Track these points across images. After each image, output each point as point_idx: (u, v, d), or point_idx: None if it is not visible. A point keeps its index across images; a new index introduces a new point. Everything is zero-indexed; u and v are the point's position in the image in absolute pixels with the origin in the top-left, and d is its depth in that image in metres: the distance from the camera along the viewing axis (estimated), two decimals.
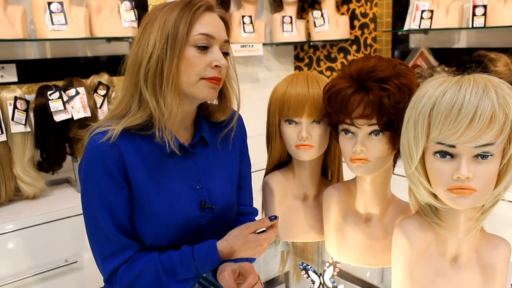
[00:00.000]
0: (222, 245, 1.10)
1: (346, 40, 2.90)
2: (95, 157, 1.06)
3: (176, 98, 1.06)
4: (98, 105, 2.01)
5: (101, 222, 1.07)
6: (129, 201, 1.10)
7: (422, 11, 2.37)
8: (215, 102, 1.22)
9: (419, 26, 2.38)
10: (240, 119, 1.32)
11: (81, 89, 1.95)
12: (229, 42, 1.14)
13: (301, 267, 1.14)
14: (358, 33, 2.85)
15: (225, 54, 1.11)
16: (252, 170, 1.37)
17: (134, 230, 1.12)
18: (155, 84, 1.05)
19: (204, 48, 1.07)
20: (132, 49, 1.10)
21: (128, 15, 2.24)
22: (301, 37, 2.94)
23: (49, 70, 2.24)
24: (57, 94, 1.89)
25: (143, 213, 1.10)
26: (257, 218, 1.39)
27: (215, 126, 1.23)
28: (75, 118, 1.92)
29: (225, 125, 1.23)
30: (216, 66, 1.07)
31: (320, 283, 1.13)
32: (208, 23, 1.08)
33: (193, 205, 1.14)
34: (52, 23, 2.04)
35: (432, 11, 2.36)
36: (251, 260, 1.19)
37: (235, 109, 1.24)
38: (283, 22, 2.85)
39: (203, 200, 1.15)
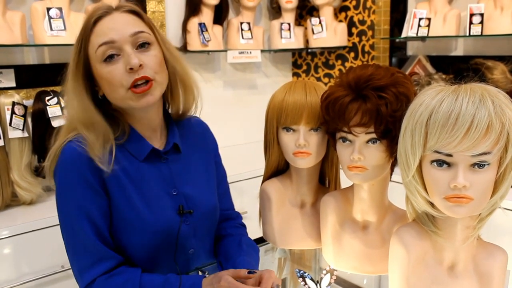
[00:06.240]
0: (207, 281, 1.04)
1: (344, 47, 2.91)
2: (70, 165, 1.04)
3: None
4: None
5: (78, 230, 1.04)
6: (108, 211, 1.08)
7: (420, 19, 2.38)
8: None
9: (417, 33, 2.40)
10: (209, 129, 1.33)
11: None
12: (149, 30, 1.07)
13: (298, 274, 1.14)
14: (356, 40, 2.86)
15: (145, 44, 1.05)
16: (249, 177, 1.38)
17: (115, 240, 1.09)
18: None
19: (111, 58, 1.02)
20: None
21: None
22: (299, 44, 2.95)
23: (48, 76, 2.24)
24: (55, 99, 1.90)
25: (123, 220, 1.08)
26: (244, 221, 1.40)
27: (185, 133, 1.23)
28: None
29: (195, 133, 1.24)
30: (130, 69, 1.01)
31: None
32: (105, 30, 1.03)
33: (171, 210, 1.13)
34: (51, 29, 2.04)
35: (429, 19, 2.38)
36: (255, 266, 1.19)
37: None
38: (281, 29, 2.86)
39: (181, 206, 1.14)
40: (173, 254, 1.14)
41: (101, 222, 1.06)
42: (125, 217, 1.08)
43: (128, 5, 1.07)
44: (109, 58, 1.02)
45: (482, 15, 2.20)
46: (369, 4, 2.74)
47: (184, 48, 2.63)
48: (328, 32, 2.83)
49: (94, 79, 1.08)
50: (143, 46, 1.04)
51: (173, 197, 1.15)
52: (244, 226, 1.38)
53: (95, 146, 1.04)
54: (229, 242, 1.27)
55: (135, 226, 1.08)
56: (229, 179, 1.40)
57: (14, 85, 2.13)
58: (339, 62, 2.98)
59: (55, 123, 1.89)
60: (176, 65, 1.13)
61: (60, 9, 2.06)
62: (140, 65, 1.01)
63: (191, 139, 1.24)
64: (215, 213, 1.26)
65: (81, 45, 1.04)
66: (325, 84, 2.86)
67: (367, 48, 2.81)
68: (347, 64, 2.94)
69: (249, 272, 1.04)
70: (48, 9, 2.04)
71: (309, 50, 3.04)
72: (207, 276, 1.06)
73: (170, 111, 1.23)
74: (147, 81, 1.03)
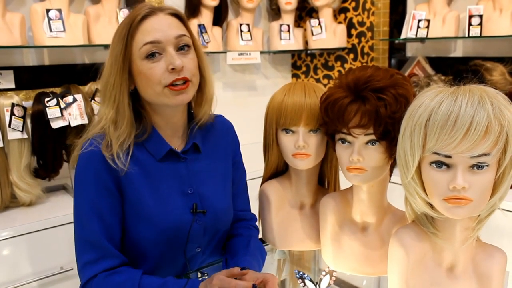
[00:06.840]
0: (203, 285, 1.04)
1: (343, 49, 2.91)
2: (86, 163, 1.08)
3: (129, 123, 1.09)
4: (96, 112, 2.01)
5: (87, 225, 1.08)
6: (120, 209, 1.11)
7: (419, 20, 2.39)
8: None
9: (416, 35, 2.40)
10: (232, 128, 1.34)
11: (79, 96, 1.95)
12: (188, 34, 1.12)
13: (297, 275, 1.14)
14: (355, 41, 2.86)
15: (185, 47, 1.10)
16: (249, 178, 1.37)
17: (128, 234, 1.12)
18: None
19: (153, 56, 1.06)
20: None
21: None
22: (299, 45, 2.96)
23: (47, 77, 2.24)
24: (54, 101, 1.90)
25: (137, 217, 1.11)
26: (257, 223, 1.40)
27: (207, 133, 1.24)
28: (72, 125, 1.92)
29: (217, 132, 1.26)
30: (172, 69, 1.06)
31: None
32: (150, 30, 1.07)
33: (185, 209, 1.15)
34: (50, 30, 2.04)
35: (428, 20, 2.38)
36: (256, 268, 1.19)
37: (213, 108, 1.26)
38: (280, 30, 2.86)
39: (195, 204, 1.16)
40: (182, 250, 1.16)
41: (111, 221, 1.09)
42: (137, 213, 1.11)
43: (172, 8, 1.13)
44: (151, 56, 1.07)
45: (481, 16, 2.20)
46: (368, 5, 2.74)
47: None
48: (327, 33, 2.84)
49: (131, 74, 1.11)
50: (183, 48, 1.10)
51: (188, 195, 1.17)
52: (256, 228, 1.38)
53: (113, 146, 1.08)
54: (238, 241, 1.28)
55: (146, 222, 1.11)
56: None
57: (13, 86, 2.13)
58: (339, 63, 2.99)
59: (54, 125, 1.89)
60: (204, 72, 1.17)
61: (59, 10, 2.06)
62: (182, 67, 1.07)
63: (212, 139, 1.26)
64: (228, 215, 1.27)
65: (127, 41, 1.07)
66: (325, 85, 2.86)
67: (366, 50, 2.81)
68: (347, 66, 2.94)
69: (241, 269, 1.05)
70: (48, 10, 2.04)
71: (309, 52, 3.04)
72: (206, 278, 1.07)
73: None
74: (185, 81, 1.09)
